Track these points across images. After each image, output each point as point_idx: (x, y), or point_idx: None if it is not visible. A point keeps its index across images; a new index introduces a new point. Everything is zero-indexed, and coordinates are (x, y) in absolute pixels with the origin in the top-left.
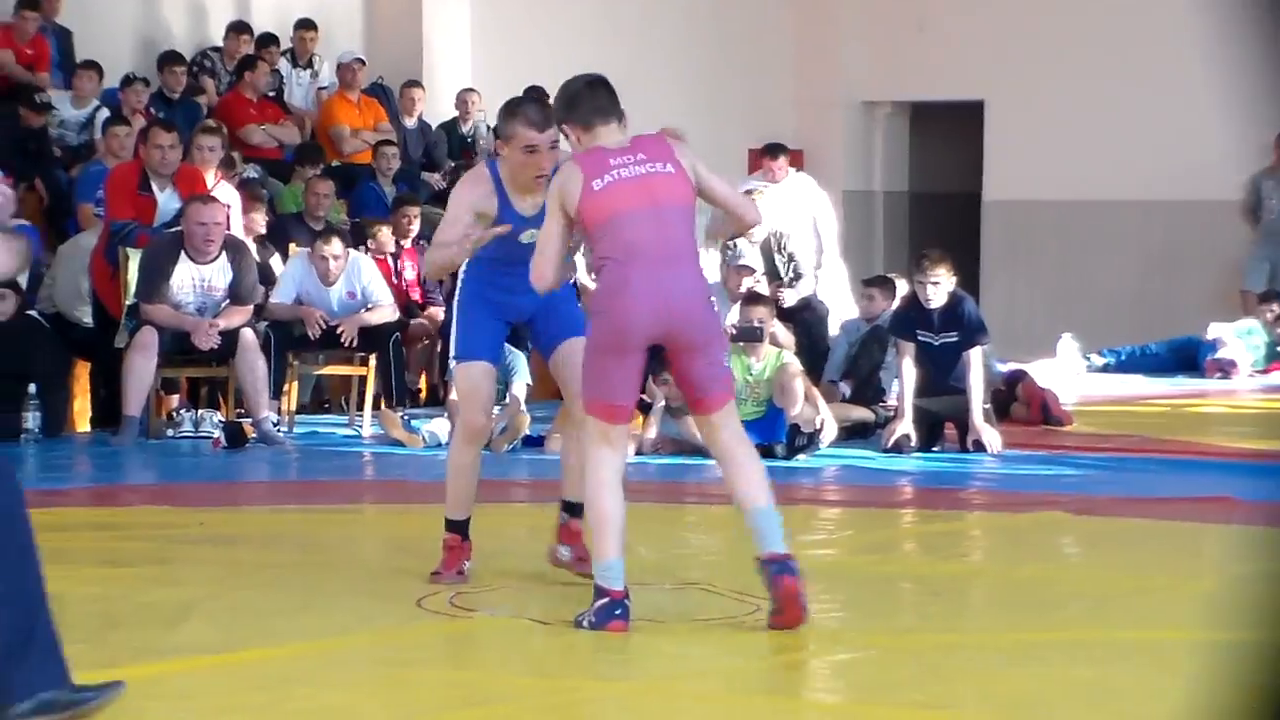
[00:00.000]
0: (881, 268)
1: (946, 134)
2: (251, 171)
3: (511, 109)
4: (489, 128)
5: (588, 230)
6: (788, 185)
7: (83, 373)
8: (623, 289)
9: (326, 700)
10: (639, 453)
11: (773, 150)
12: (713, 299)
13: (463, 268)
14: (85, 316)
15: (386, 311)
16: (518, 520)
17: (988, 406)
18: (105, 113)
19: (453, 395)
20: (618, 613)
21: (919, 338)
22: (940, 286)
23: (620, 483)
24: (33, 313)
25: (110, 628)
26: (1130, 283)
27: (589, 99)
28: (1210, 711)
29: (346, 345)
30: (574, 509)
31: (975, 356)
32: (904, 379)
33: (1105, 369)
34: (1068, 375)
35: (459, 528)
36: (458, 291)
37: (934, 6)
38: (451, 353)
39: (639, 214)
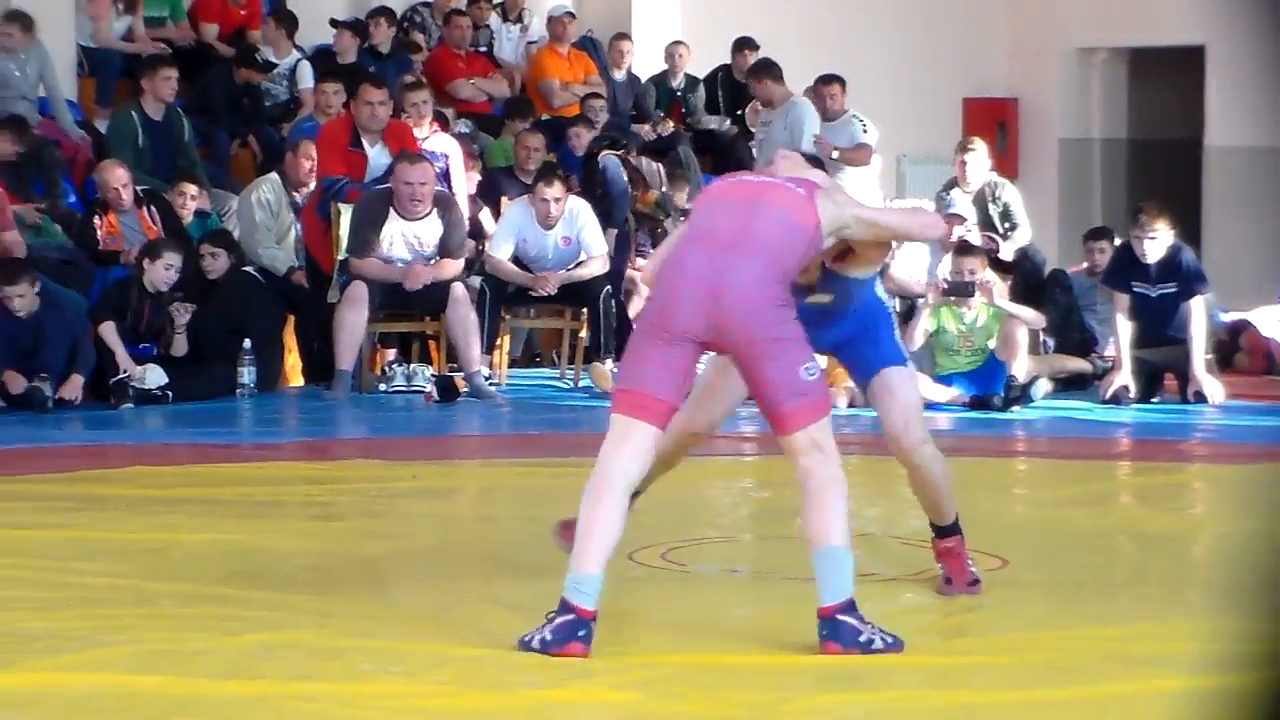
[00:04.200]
0: (1099, 216)
1: (1166, 80)
2: (462, 126)
3: None
4: (699, 80)
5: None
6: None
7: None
8: (676, 267)
9: (544, 656)
10: (851, 405)
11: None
12: (786, 300)
13: None
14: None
15: (598, 264)
16: (726, 473)
17: (1209, 357)
18: (307, 66)
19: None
20: (581, 633)
21: (1135, 289)
22: (1158, 240)
23: (628, 496)
24: (249, 269)
25: (325, 581)
26: None
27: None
28: None
29: (545, 295)
30: (942, 530)
31: (1196, 306)
32: (1119, 331)
33: None
34: None
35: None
36: None
37: None
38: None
39: (725, 203)
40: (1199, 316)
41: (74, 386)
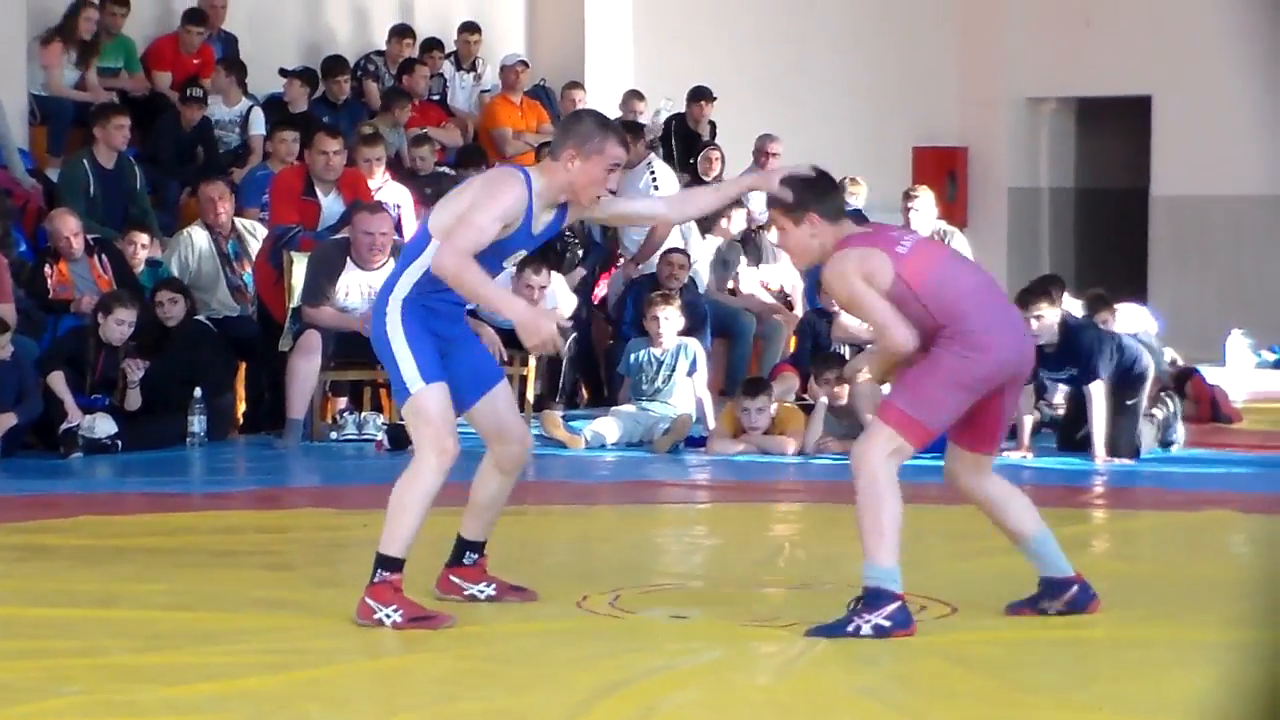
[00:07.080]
0: (1048, 264)
1: (1113, 130)
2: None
3: (603, 122)
4: (664, 122)
5: (914, 290)
6: None
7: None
8: (1005, 328)
9: (497, 704)
10: (801, 452)
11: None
12: None
13: (405, 291)
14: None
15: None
16: (675, 520)
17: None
18: (259, 113)
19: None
20: (914, 617)
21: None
22: (1044, 321)
23: None
24: (200, 317)
25: (275, 631)
26: None
27: (838, 197)
28: None
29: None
30: None
31: (1096, 393)
32: None
33: (1276, 365)
34: (1237, 372)
35: (401, 566)
36: (399, 316)
37: (1101, 1)
38: (410, 376)
39: (956, 260)
40: (1100, 403)
41: (3, 422)
